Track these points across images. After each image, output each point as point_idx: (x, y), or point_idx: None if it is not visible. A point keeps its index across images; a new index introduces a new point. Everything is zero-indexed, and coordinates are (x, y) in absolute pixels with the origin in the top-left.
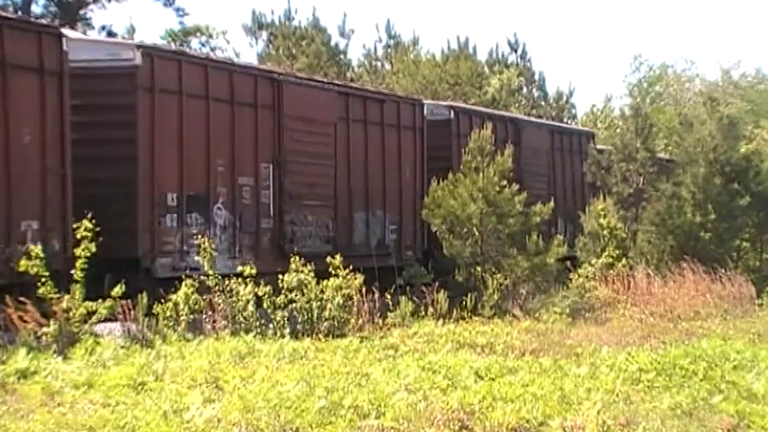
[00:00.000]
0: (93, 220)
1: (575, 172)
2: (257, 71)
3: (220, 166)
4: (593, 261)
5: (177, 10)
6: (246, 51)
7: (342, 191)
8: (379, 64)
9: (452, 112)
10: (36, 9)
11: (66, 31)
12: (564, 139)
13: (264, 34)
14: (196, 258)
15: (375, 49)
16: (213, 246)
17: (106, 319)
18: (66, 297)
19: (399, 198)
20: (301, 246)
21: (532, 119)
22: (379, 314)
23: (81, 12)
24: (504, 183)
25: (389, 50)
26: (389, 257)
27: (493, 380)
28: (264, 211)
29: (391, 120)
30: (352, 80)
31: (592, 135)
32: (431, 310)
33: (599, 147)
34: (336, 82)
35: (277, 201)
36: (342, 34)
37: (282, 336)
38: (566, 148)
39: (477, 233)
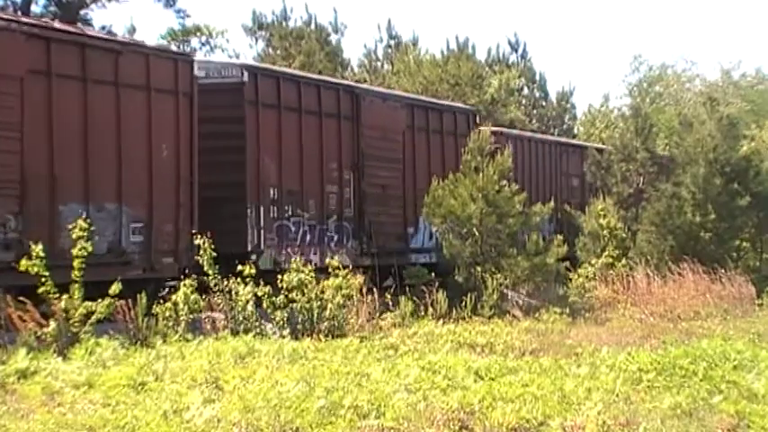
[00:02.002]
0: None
1: (446, 158)
2: None
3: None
4: (593, 261)
5: (178, 11)
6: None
7: (32, 175)
8: (379, 64)
9: (247, 74)
10: (36, 9)
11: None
12: (431, 116)
13: (265, 34)
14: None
15: (375, 48)
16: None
17: (106, 320)
18: (65, 297)
19: (149, 186)
20: None
21: (380, 88)
22: (378, 314)
23: (81, 12)
24: (504, 183)
25: (390, 50)
26: (128, 267)
27: (493, 380)
28: None
29: (135, 80)
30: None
31: (473, 113)
32: (430, 310)
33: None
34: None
35: None
36: (336, 30)
37: (282, 336)
38: (433, 128)
39: (476, 233)
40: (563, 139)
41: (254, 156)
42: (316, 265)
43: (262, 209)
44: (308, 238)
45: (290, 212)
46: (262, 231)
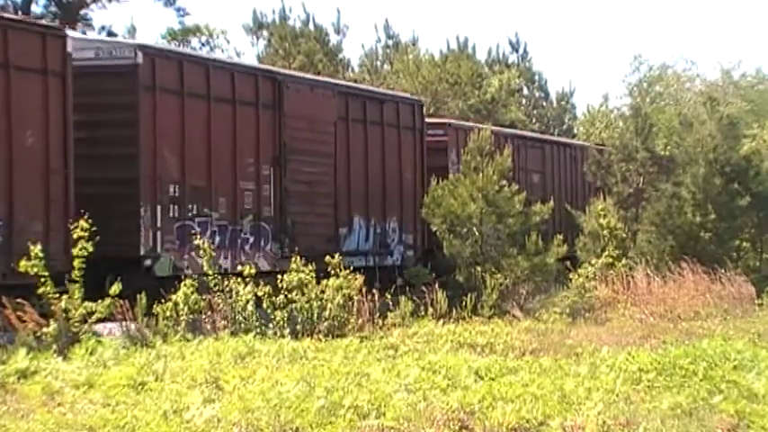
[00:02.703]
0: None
1: (388, 153)
2: None
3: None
4: (593, 261)
5: (178, 10)
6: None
7: None
8: (378, 64)
9: (142, 55)
10: (36, 9)
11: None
12: (369, 106)
13: (266, 34)
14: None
15: (375, 49)
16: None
17: (106, 319)
18: (65, 297)
19: (9, 178)
20: None
21: (307, 75)
22: (378, 314)
23: (81, 12)
24: (504, 182)
25: (389, 50)
26: None
27: (493, 380)
28: None
29: None
30: (356, 81)
31: (419, 104)
32: (431, 310)
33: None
34: None
35: None
36: (337, 31)
37: (282, 336)
38: (372, 119)
39: (477, 233)
40: (521, 132)
41: (149, 148)
42: (226, 270)
43: (159, 208)
44: (216, 240)
45: (194, 212)
46: (158, 233)
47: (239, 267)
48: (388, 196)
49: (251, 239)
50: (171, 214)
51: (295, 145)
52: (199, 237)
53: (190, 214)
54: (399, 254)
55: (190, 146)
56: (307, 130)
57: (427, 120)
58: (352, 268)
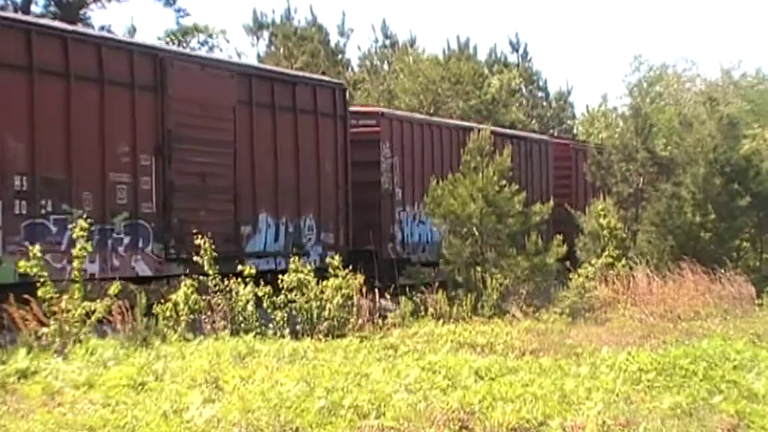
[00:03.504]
0: None
1: (302, 142)
2: None
3: None
4: (593, 261)
5: (178, 10)
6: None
7: None
8: (377, 64)
9: None
10: (36, 9)
11: None
12: (279, 90)
13: (266, 34)
14: None
15: (375, 49)
16: None
17: (105, 320)
18: (65, 297)
19: None
20: None
21: (200, 53)
22: (378, 314)
23: (81, 12)
24: (504, 182)
25: (386, 51)
26: None
27: (493, 380)
28: None
29: None
30: (356, 82)
31: (341, 89)
32: (431, 310)
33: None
34: None
35: None
36: (341, 34)
37: (282, 336)
38: (282, 104)
39: (476, 233)
40: (467, 124)
41: None
42: (93, 275)
43: (0, 204)
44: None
45: (49, 208)
46: None
47: (110, 272)
48: (302, 191)
49: (126, 240)
50: (17, 211)
51: (183, 132)
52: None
53: (43, 211)
54: (317, 255)
55: (42, 131)
56: (198, 116)
57: (357, 108)
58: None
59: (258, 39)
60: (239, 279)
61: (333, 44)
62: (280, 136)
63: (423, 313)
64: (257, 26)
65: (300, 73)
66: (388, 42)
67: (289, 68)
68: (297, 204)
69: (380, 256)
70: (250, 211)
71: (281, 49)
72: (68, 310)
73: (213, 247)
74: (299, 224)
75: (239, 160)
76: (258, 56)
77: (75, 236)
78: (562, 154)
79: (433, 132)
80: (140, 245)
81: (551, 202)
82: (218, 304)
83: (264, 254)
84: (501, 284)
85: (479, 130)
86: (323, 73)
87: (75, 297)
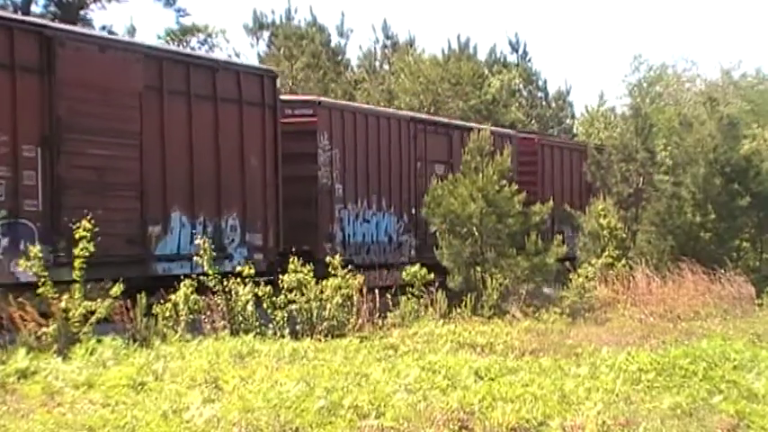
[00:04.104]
0: None
1: (223, 133)
2: None
3: None
4: (593, 261)
5: (178, 10)
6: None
7: None
8: (377, 64)
9: None
10: (36, 9)
11: None
12: (195, 75)
13: (266, 34)
14: None
15: (375, 49)
16: None
17: (105, 320)
18: (65, 297)
19: None
20: None
21: (98, 32)
22: (378, 314)
23: (81, 12)
24: (504, 182)
25: (387, 51)
26: None
27: (493, 380)
28: None
29: None
30: (356, 82)
31: (270, 76)
32: (431, 310)
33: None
34: None
35: None
36: (341, 34)
37: (282, 336)
38: (199, 92)
39: (476, 233)
40: (421, 116)
41: None
42: None
43: None
44: None
45: None
46: None
47: None
48: (224, 187)
49: (3, 242)
50: None
51: (76, 121)
52: None
53: None
54: (242, 257)
55: None
56: (96, 103)
57: (290, 97)
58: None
59: (258, 39)
60: (237, 279)
61: (333, 44)
62: (196, 126)
63: (423, 313)
64: (257, 26)
65: (222, 58)
66: (389, 43)
67: (290, 69)
68: (217, 202)
69: (317, 258)
70: (160, 210)
71: (281, 50)
72: (68, 310)
73: (113, 250)
74: (219, 224)
75: (146, 153)
76: (258, 56)
77: (77, 236)
78: (527, 149)
79: (380, 123)
80: (21, 247)
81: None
82: (218, 304)
83: (178, 256)
84: (501, 284)
85: (436, 123)
86: (324, 74)
87: (76, 297)
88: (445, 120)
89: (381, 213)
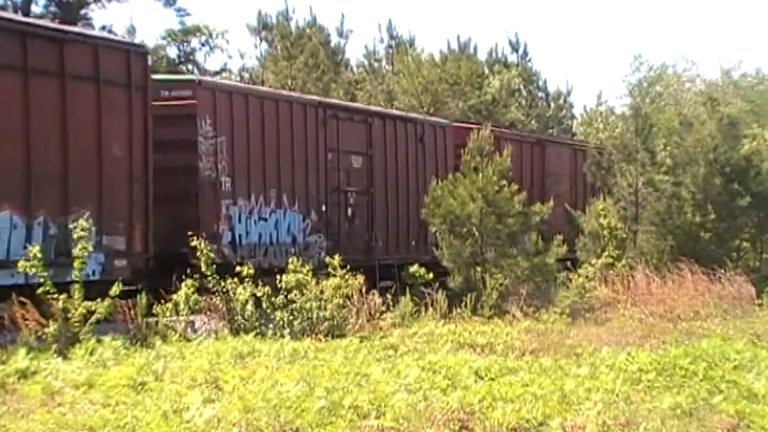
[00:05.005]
0: None
1: (74, 118)
2: None
3: None
4: (593, 261)
5: (178, 10)
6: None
7: None
8: (378, 64)
9: None
10: (36, 9)
11: None
12: (33, 48)
13: (269, 35)
14: None
15: (375, 49)
16: None
17: (106, 320)
18: (63, 297)
19: None
20: None
21: None
22: (378, 314)
23: (81, 12)
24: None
25: (391, 51)
26: None
27: (493, 380)
28: None
29: None
30: (356, 82)
31: (138, 51)
32: (431, 310)
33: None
34: None
35: None
36: (341, 34)
37: (282, 336)
38: (39, 66)
39: (476, 233)
40: (333, 101)
41: None
42: None
43: None
44: None
45: None
46: None
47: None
48: (73, 181)
49: None
50: None
51: None
52: None
53: None
54: (98, 264)
55: None
56: None
57: (165, 76)
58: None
59: (262, 39)
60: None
61: (333, 44)
62: (35, 108)
63: (423, 313)
64: (261, 26)
65: (75, 28)
66: (393, 43)
67: (289, 69)
68: (63, 199)
69: (198, 262)
70: None
71: (279, 48)
72: (68, 311)
73: None
74: (65, 224)
75: None
76: (262, 57)
77: (76, 236)
78: (465, 141)
79: (279, 108)
80: None
81: None
82: (217, 305)
83: (5, 263)
84: (501, 284)
85: (351, 109)
86: (323, 73)
87: (76, 297)
88: (362, 105)
89: (282, 211)
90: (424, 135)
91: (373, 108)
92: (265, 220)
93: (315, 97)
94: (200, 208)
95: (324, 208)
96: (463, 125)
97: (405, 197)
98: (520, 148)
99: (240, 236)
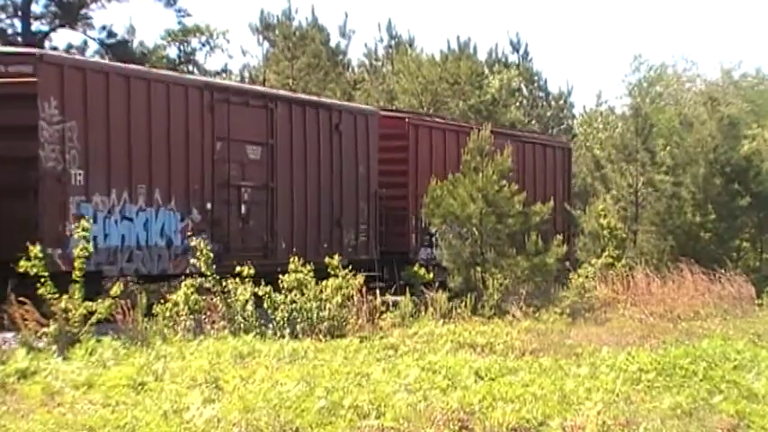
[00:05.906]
0: None
1: None
2: None
3: None
4: (593, 261)
5: (178, 11)
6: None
7: None
8: (379, 64)
9: None
10: (36, 9)
11: None
12: None
13: (272, 34)
14: None
15: (375, 49)
16: None
17: (106, 320)
18: (64, 297)
19: None
20: None
21: None
22: (378, 314)
23: (81, 12)
24: (504, 182)
25: (391, 50)
26: None
27: (493, 380)
28: None
29: None
30: (356, 82)
31: None
32: (431, 310)
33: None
34: None
35: None
36: (343, 35)
37: (282, 336)
38: None
39: (476, 233)
40: (222, 83)
41: None
42: None
43: None
44: None
45: None
46: None
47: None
48: None
49: None
50: None
51: None
52: None
53: None
54: None
55: None
56: None
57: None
58: None
59: (264, 39)
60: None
61: (334, 45)
62: None
63: (423, 313)
64: (264, 26)
65: None
66: (393, 43)
67: (291, 69)
68: None
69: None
70: None
71: (280, 47)
72: (69, 310)
73: None
74: None
75: None
76: (264, 57)
77: (77, 236)
78: (394, 131)
79: (152, 90)
80: None
81: (375, 190)
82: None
83: None
84: (501, 285)
85: (247, 92)
86: (325, 74)
87: (76, 297)
88: (261, 88)
89: (154, 209)
90: (340, 123)
91: (276, 91)
92: (131, 219)
93: (200, 78)
94: (41, 205)
95: (209, 206)
96: (392, 115)
97: (315, 193)
98: (445, 139)
99: (96, 238)
